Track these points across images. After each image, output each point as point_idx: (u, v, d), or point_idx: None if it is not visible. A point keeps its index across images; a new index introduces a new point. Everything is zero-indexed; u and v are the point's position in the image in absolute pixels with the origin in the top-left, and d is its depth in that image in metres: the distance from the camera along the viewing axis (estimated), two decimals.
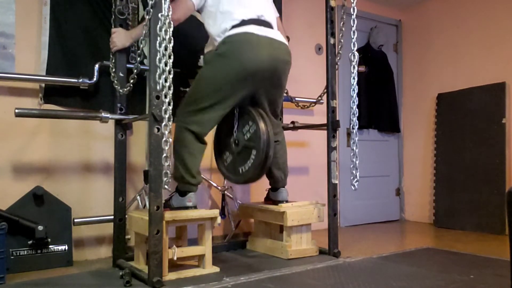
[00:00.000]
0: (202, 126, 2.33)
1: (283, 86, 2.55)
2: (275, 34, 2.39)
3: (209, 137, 2.43)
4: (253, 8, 2.37)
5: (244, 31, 2.28)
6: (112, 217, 2.45)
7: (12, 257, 2.26)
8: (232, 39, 2.27)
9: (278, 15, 2.65)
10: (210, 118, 2.34)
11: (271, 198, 2.79)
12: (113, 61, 2.43)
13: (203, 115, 2.32)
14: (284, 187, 2.76)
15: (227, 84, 2.29)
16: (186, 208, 2.35)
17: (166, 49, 1.91)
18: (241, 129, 2.46)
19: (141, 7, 2.77)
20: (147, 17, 2.00)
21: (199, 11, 2.45)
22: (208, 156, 3.11)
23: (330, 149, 2.64)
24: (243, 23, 2.29)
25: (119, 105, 2.44)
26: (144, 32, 2.15)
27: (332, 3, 2.71)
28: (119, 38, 2.37)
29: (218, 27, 2.33)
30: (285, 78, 2.50)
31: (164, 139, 1.91)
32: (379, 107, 4.20)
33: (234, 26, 2.28)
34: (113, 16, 2.50)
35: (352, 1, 2.51)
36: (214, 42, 2.39)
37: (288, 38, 3.35)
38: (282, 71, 2.43)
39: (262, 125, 2.35)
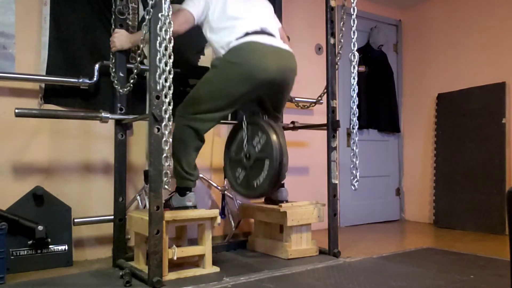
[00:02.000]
0: (204, 124, 2.35)
1: (289, 92, 2.57)
2: (279, 43, 2.40)
3: (207, 135, 2.44)
4: (256, 21, 2.38)
5: (249, 40, 2.28)
6: (112, 217, 2.45)
7: (12, 257, 2.26)
8: (238, 48, 2.27)
9: (280, 25, 2.67)
10: (212, 118, 2.36)
11: (271, 198, 2.79)
12: (113, 61, 2.43)
13: (206, 115, 2.34)
14: (282, 186, 2.76)
15: (233, 89, 2.31)
16: (186, 208, 2.35)
17: (166, 49, 1.91)
18: (251, 142, 2.46)
19: (141, 7, 2.77)
20: (147, 17, 2.00)
21: (200, 24, 2.43)
22: (208, 156, 3.11)
23: (330, 149, 2.64)
24: (247, 35, 2.30)
25: (119, 105, 2.44)
26: (142, 38, 2.15)
27: (332, 3, 2.71)
28: (120, 39, 2.38)
29: (220, 41, 2.33)
30: (292, 84, 2.52)
31: (164, 139, 1.91)
32: (379, 107, 4.20)
33: (238, 38, 2.29)
34: (113, 16, 2.50)
35: (352, 1, 2.51)
36: (218, 53, 2.38)
37: (288, 38, 3.35)
38: (289, 79, 2.45)
39: (272, 134, 2.36)
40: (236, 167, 2.57)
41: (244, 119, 2.51)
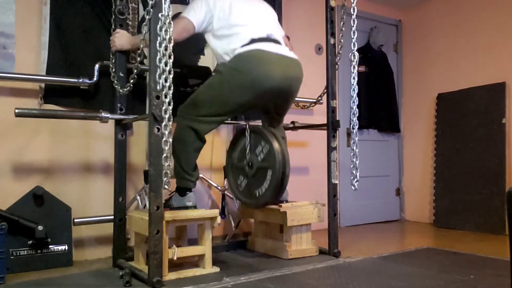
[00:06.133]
0: (204, 126, 2.35)
1: (293, 99, 2.56)
2: (285, 51, 2.37)
3: (207, 135, 2.44)
4: (261, 28, 2.36)
5: (255, 48, 2.25)
6: (112, 217, 2.45)
7: (12, 257, 2.26)
8: (244, 55, 2.25)
9: (283, 33, 2.64)
10: (212, 121, 2.36)
11: None
12: (113, 61, 2.43)
13: (206, 117, 2.34)
14: None
15: (236, 97, 2.30)
16: (186, 208, 2.35)
17: (166, 49, 1.91)
18: (253, 151, 2.45)
19: (141, 7, 2.77)
20: (147, 17, 2.00)
21: (202, 32, 2.41)
22: (208, 156, 3.11)
23: (330, 149, 2.64)
24: (253, 41, 2.28)
25: (119, 105, 2.44)
26: (142, 38, 2.14)
27: (332, 3, 2.71)
28: (120, 40, 2.37)
29: (226, 47, 2.30)
30: (296, 92, 2.49)
31: (164, 139, 1.91)
32: (379, 107, 4.20)
33: (243, 45, 2.26)
34: (113, 16, 2.50)
35: (352, 1, 2.50)
36: (222, 59, 2.35)
37: (288, 37, 3.36)
38: (294, 88, 2.43)
39: (275, 144, 2.34)
40: (238, 175, 2.56)
41: (247, 127, 2.49)
